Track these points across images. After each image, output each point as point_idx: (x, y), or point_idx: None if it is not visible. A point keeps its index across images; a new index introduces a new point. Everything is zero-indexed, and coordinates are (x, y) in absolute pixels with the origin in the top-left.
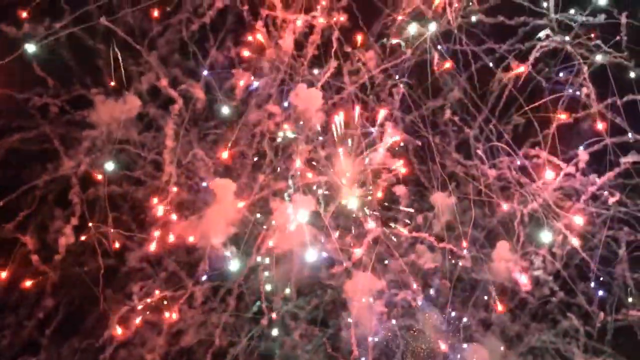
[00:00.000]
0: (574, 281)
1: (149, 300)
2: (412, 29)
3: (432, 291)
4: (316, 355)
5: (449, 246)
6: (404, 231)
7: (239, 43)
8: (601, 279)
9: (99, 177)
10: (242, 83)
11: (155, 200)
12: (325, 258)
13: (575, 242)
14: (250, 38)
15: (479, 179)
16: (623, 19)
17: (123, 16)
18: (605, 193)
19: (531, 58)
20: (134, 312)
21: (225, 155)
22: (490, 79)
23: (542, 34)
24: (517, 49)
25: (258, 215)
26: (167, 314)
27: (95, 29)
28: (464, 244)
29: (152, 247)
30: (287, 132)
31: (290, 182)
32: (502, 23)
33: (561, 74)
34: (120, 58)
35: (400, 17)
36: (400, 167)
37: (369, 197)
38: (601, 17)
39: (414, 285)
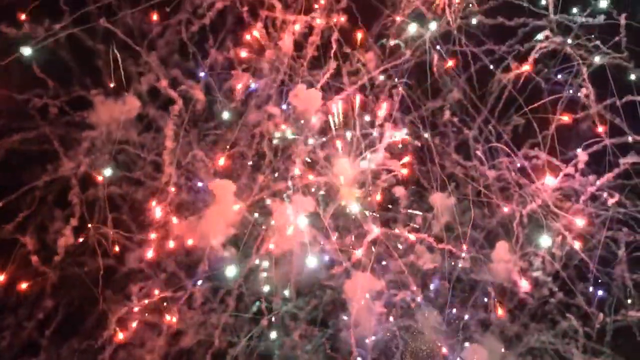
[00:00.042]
0: (573, 282)
1: (147, 301)
2: (412, 28)
3: (431, 292)
4: (316, 355)
5: (449, 247)
6: (411, 237)
7: (238, 44)
8: (600, 279)
9: (100, 178)
10: (240, 85)
11: (154, 202)
12: (324, 258)
13: (577, 245)
14: (248, 37)
15: (478, 179)
16: (622, 20)
17: (123, 17)
18: (605, 194)
19: (530, 59)
20: (133, 313)
21: (222, 162)
22: (490, 80)
23: (540, 36)
24: (517, 50)
25: (256, 215)
26: (167, 317)
27: (95, 29)
28: (464, 245)
29: (149, 254)
30: (286, 132)
31: (289, 183)
32: (501, 24)
33: (559, 76)
34: (119, 59)
35: (400, 18)
36: (402, 166)
37: (369, 198)
38: (600, 18)
39: (414, 286)
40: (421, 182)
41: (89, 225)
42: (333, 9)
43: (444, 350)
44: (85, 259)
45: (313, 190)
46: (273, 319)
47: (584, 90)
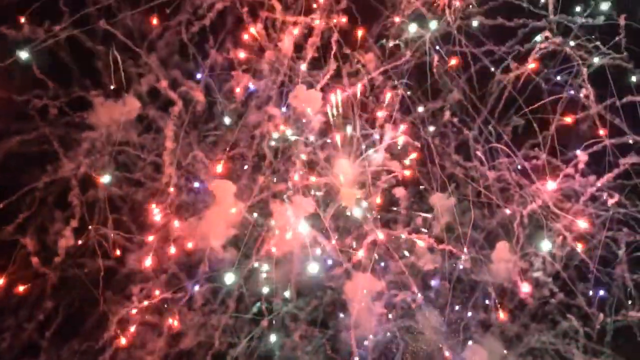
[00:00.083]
0: (573, 282)
1: (146, 303)
2: (412, 28)
3: (431, 292)
4: (316, 356)
5: (449, 247)
6: (420, 243)
7: (238, 45)
8: (601, 280)
9: (101, 180)
10: (240, 86)
11: (154, 205)
12: (325, 260)
13: (579, 247)
14: (247, 37)
15: (478, 180)
16: (622, 21)
17: (122, 18)
18: (605, 194)
19: (531, 59)
20: (133, 314)
21: (219, 169)
22: (490, 80)
23: (538, 38)
24: (517, 51)
25: (255, 215)
26: (169, 320)
27: (95, 31)
28: (464, 247)
29: (148, 262)
30: (286, 133)
31: (289, 184)
32: (501, 25)
33: (558, 78)
34: (119, 60)
35: (399, 19)
36: (404, 167)
37: (369, 199)
38: (600, 19)
39: (414, 287)
40: (421, 183)
41: (90, 227)
42: (333, 9)
43: (445, 350)
44: (86, 260)
45: (313, 192)
46: (274, 321)
47: (584, 91)
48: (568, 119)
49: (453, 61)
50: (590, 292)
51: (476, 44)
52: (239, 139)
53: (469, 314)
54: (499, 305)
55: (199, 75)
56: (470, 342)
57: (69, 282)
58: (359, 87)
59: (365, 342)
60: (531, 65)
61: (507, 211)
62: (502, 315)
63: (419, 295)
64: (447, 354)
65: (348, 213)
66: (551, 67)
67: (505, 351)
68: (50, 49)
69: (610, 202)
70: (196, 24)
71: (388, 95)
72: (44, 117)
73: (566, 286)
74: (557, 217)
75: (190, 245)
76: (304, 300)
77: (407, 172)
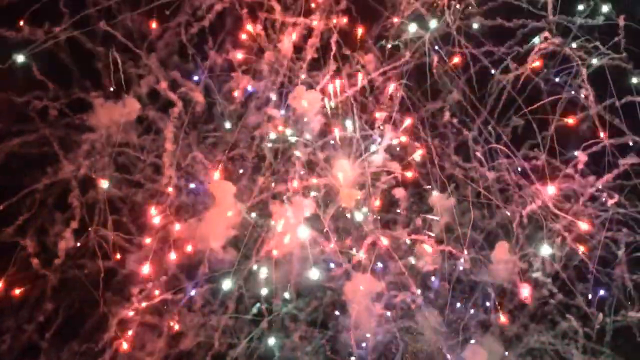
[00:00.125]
0: (572, 282)
1: (144, 304)
2: (412, 28)
3: (431, 293)
4: (316, 356)
5: (448, 248)
6: (428, 248)
7: (237, 46)
8: (600, 280)
9: (100, 186)
10: (240, 87)
11: (153, 208)
12: (328, 264)
13: (581, 249)
14: (246, 38)
15: (478, 181)
16: (621, 22)
17: (122, 20)
18: (604, 195)
19: (530, 60)
20: (134, 315)
21: (216, 176)
22: (490, 80)
23: (536, 40)
24: (516, 51)
25: (253, 215)
26: (169, 322)
27: (95, 32)
28: (464, 247)
29: (146, 270)
30: (285, 133)
31: (289, 184)
32: (500, 25)
33: (557, 79)
34: (119, 61)
35: (397, 20)
36: (407, 165)
37: (368, 200)
38: (599, 19)
39: (414, 287)
40: (421, 184)
41: (90, 229)
42: (333, 10)
43: (444, 351)
44: (86, 261)
45: (313, 194)
46: (273, 322)
47: (583, 91)
48: (571, 121)
49: (456, 59)
50: (590, 293)
51: (476, 44)
52: (238, 140)
53: (469, 314)
54: (498, 306)
55: (195, 78)
56: (470, 342)
57: (69, 284)
58: (359, 78)
59: (363, 344)
60: (536, 63)
61: (508, 213)
62: (502, 318)
63: (419, 293)
64: (446, 354)
65: (348, 216)
66: (550, 67)
67: (504, 351)
68: (50, 50)
69: (610, 202)
70: (195, 25)
71: (389, 93)
72: (44, 119)
73: (565, 286)
74: (556, 218)
75: (189, 248)
76: (303, 301)
77: (409, 174)
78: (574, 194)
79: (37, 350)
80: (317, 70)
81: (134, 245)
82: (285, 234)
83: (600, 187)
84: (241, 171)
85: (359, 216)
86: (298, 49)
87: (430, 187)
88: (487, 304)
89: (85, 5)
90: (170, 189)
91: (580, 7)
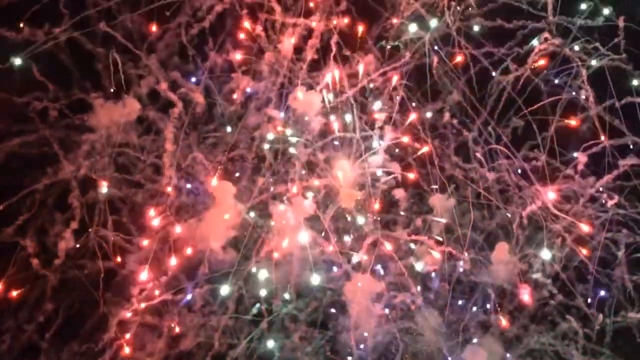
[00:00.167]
0: (572, 283)
1: (143, 305)
2: (412, 28)
3: (431, 293)
4: (315, 357)
5: (448, 249)
6: (436, 254)
7: (237, 47)
8: (600, 281)
9: (100, 191)
10: (240, 88)
11: (152, 209)
12: (330, 267)
13: (583, 252)
14: (246, 38)
15: (477, 181)
16: (621, 23)
17: (122, 21)
18: (604, 195)
19: (531, 60)
20: (133, 316)
21: (214, 182)
22: (489, 81)
23: (535, 42)
24: (516, 52)
25: (252, 214)
26: (169, 322)
27: (95, 33)
28: (464, 248)
29: (144, 277)
30: (285, 133)
31: (289, 185)
32: (500, 26)
33: (556, 81)
34: (119, 62)
35: (396, 20)
36: (407, 166)
37: (368, 201)
38: (599, 20)
39: (414, 288)
40: (422, 184)
41: (90, 229)
42: (333, 11)
43: (444, 351)
44: (86, 261)
45: (313, 195)
46: (273, 322)
47: (583, 92)
48: (573, 122)
49: (459, 57)
50: (590, 294)
51: (476, 45)
52: (238, 140)
53: (469, 314)
54: (498, 307)
55: (193, 79)
56: (470, 343)
57: (69, 284)
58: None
59: (362, 346)
60: (541, 62)
61: (508, 214)
62: (504, 322)
63: (419, 292)
64: (446, 355)
65: (349, 219)
66: (550, 68)
67: (504, 352)
68: (50, 51)
69: (610, 203)
70: (196, 26)
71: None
72: (44, 120)
73: (565, 287)
74: (556, 219)
75: (189, 251)
76: (303, 301)
77: (412, 175)
78: (574, 194)
79: (37, 350)
80: (317, 71)
81: (134, 246)
82: (285, 235)
83: (600, 188)
84: (237, 175)
85: (360, 220)
86: (298, 49)
87: (434, 188)
88: (488, 306)
89: (85, 6)
90: (169, 189)
91: (584, 6)
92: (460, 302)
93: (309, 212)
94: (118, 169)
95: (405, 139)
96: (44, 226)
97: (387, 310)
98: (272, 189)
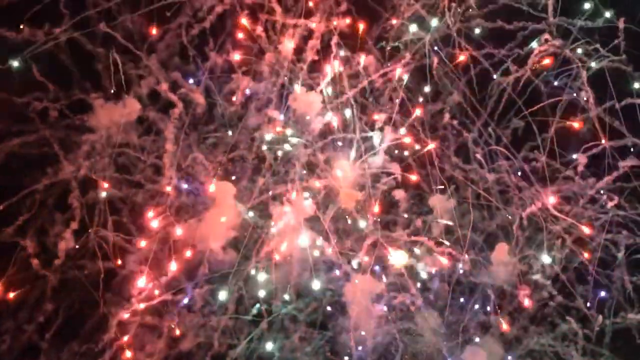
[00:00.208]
0: (572, 284)
1: (142, 306)
2: (413, 29)
3: (431, 294)
4: (315, 357)
5: (448, 250)
6: (443, 260)
7: (238, 47)
8: (600, 282)
9: (101, 192)
10: (240, 88)
11: (152, 210)
12: (325, 263)
13: (585, 255)
14: (246, 38)
15: (477, 182)
16: (621, 24)
17: (122, 21)
18: (604, 197)
19: (531, 61)
20: (133, 316)
21: (212, 188)
22: (490, 82)
23: (535, 44)
24: (516, 53)
25: (251, 214)
26: (169, 324)
27: (95, 34)
28: (464, 249)
29: (142, 282)
30: (285, 134)
31: (289, 186)
32: (501, 27)
33: (556, 82)
34: (119, 62)
35: (396, 21)
36: (407, 166)
37: (368, 202)
38: (599, 22)
39: (413, 289)
40: (421, 185)
41: (90, 230)
42: (333, 12)
43: (444, 352)
44: (86, 262)
45: (312, 195)
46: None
47: (583, 94)
48: (576, 125)
49: (462, 57)
50: (590, 295)
51: (476, 46)
52: (239, 141)
53: (469, 315)
54: (498, 308)
55: (191, 81)
56: (469, 344)
57: (69, 284)
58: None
59: (360, 347)
60: (546, 61)
61: (508, 216)
62: (504, 325)
63: (419, 292)
64: (446, 355)
65: (349, 221)
66: (551, 69)
67: (504, 353)
68: (51, 51)
69: (610, 204)
70: (196, 26)
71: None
72: (44, 120)
73: (565, 288)
74: (556, 220)
75: (189, 253)
76: (303, 302)
77: (414, 177)
78: (574, 196)
79: (37, 350)
80: (318, 72)
81: (134, 246)
82: (285, 236)
83: (600, 189)
84: (234, 178)
85: (362, 223)
86: (298, 50)
87: (436, 189)
88: (488, 307)
89: (85, 7)
90: (169, 189)
91: (586, 5)
92: (460, 303)
93: (309, 213)
94: (118, 169)
95: (407, 140)
96: (44, 226)
97: (385, 309)
98: (270, 192)
